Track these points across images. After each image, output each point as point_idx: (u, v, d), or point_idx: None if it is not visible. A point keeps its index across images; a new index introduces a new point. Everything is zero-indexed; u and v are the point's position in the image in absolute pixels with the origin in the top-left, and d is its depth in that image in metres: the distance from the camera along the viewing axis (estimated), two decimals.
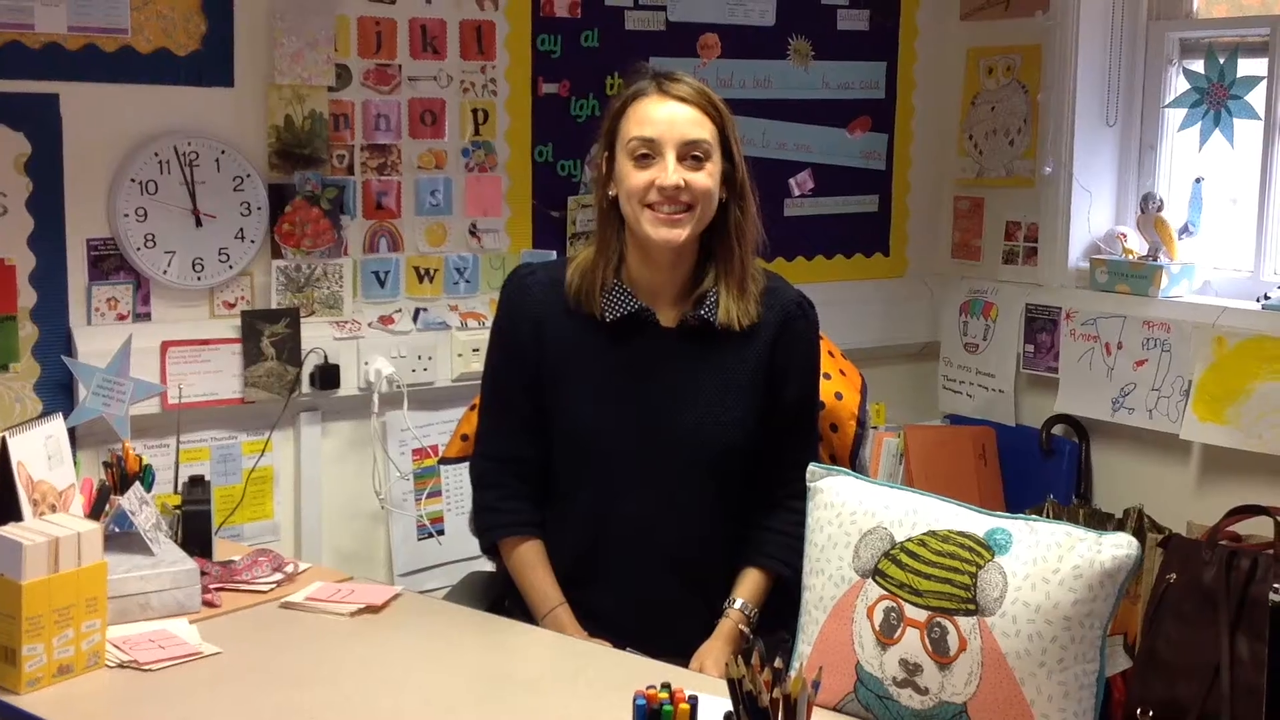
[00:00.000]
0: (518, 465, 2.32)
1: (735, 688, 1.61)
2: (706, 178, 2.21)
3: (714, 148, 2.22)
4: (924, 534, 1.93)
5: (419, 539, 3.30)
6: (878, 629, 1.92)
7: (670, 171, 2.18)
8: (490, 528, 2.35)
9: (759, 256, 2.33)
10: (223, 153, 2.98)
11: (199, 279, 2.98)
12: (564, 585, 2.29)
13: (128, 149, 2.89)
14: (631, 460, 2.24)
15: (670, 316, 2.28)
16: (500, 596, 2.43)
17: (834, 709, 1.96)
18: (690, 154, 2.20)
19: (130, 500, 2.23)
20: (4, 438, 2.13)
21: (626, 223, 2.25)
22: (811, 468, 2.13)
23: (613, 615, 2.26)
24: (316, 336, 3.11)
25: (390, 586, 2.37)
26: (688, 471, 2.25)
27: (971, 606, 1.86)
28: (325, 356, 3.11)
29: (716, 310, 2.24)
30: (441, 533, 3.31)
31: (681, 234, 2.20)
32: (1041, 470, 3.78)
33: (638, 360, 2.26)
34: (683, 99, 2.22)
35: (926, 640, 1.87)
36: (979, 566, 1.87)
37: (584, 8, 3.44)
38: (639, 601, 2.26)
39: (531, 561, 2.30)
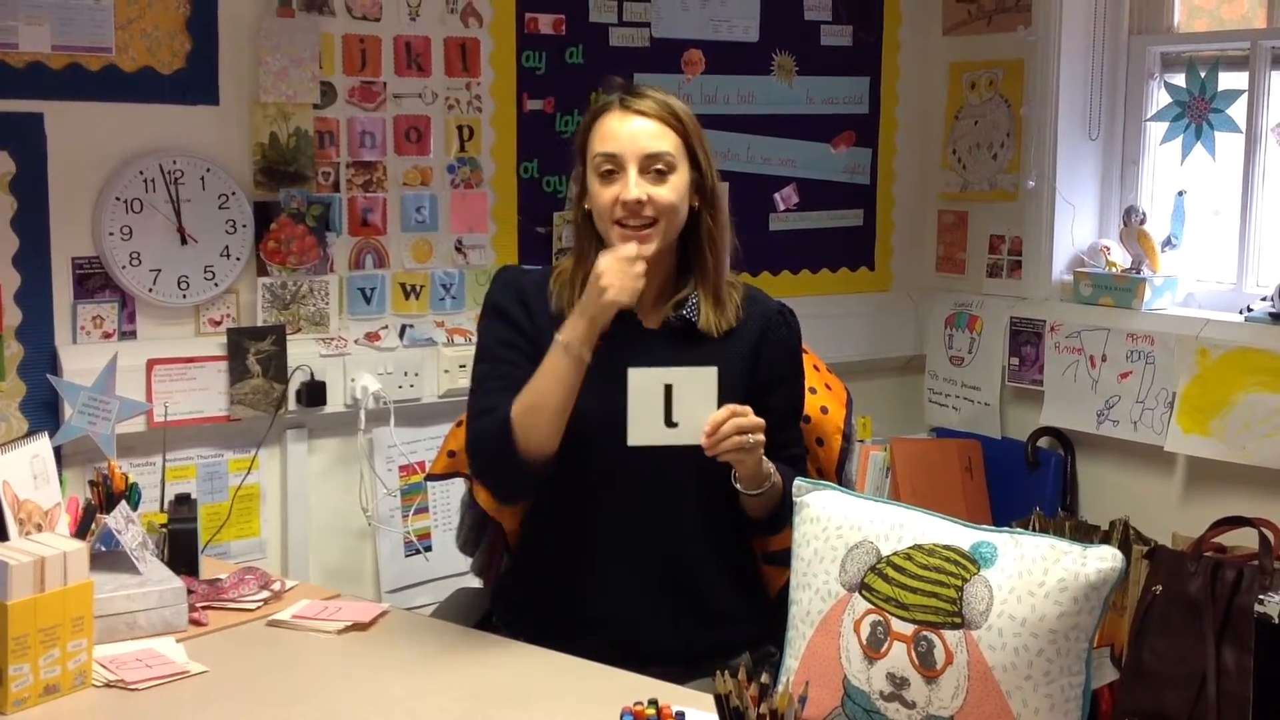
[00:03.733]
0: None
1: (723, 703, 1.61)
2: (669, 191, 2.21)
3: (678, 159, 2.23)
4: (910, 548, 1.94)
5: (406, 555, 3.30)
6: (865, 643, 1.92)
7: (632, 186, 2.19)
8: (496, 424, 2.21)
9: (739, 268, 2.35)
10: (208, 170, 2.98)
11: (184, 297, 2.98)
12: (551, 589, 2.29)
13: (113, 167, 2.89)
14: (617, 463, 2.23)
15: (653, 319, 2.30)
16: (488, 613, 2.42)
17: None
18: (653, 167, 2.21)
19: (116, 519, 2.23)
20: None
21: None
22: (797, 482, 2.13)
23: (601, 620, 2.25)
24: (303, 353, 3.11)
25: (377, 604, 2.37)
26: (674, 474, 2.24)
27: (957, 620, 1.86)
28: (311, 373, 3.11)
29: (698, 314, 2.26)
30: (429, 549, 3.31)
31: (649, 250, 2.21)
32: (1027, 483, 3.79)
33: (622, 360, 2.25)
34: (643, 113, 2.24)
35: (913, 654, 1.88)
36: (965, 580, 1.88)
37: (568, 25, 3.45)
38: (626, 606, 2.25)
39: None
